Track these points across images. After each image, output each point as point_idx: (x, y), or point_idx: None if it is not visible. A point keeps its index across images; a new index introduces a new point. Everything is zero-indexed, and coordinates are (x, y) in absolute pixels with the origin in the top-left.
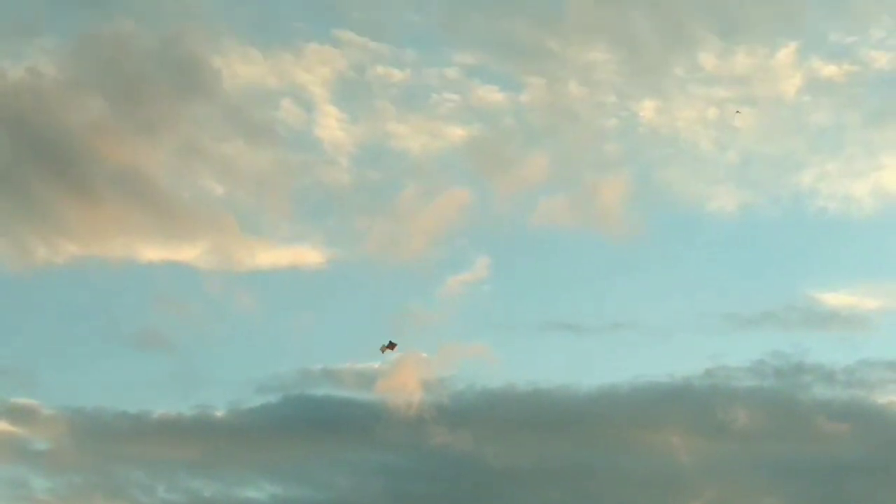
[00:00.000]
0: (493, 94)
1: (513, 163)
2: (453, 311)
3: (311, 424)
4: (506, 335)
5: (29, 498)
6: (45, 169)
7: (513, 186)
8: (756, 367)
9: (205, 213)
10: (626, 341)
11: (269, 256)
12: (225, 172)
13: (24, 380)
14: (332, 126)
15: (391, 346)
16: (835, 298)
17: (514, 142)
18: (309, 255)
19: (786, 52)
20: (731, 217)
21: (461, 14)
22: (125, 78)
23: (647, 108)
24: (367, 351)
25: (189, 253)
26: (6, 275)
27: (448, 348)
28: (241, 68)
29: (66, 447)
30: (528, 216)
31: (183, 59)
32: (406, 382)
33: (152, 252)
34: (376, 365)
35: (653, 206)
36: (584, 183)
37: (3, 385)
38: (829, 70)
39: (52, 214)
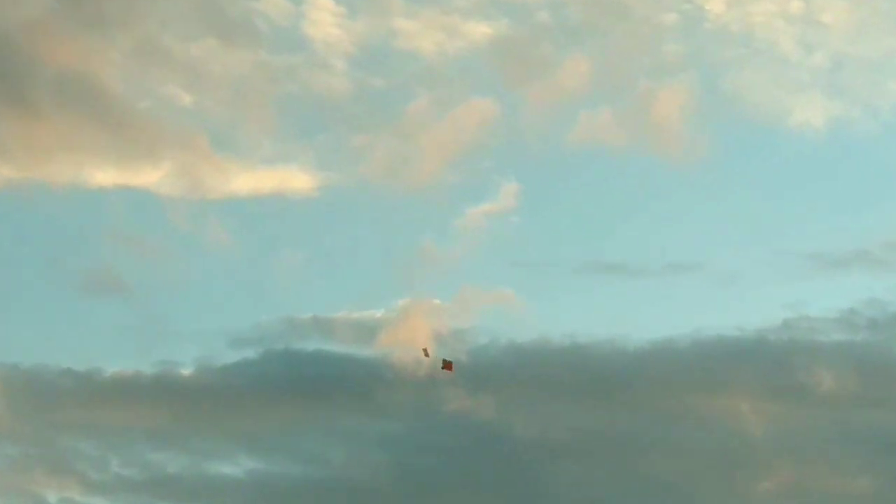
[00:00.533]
0: None
1: (547, 67)
2: (473, 248)
3: (299, 385)
4: (538, 278)
5: None
6: None
7: (547, 96)
8: (846, 317)
9: (168, 127)
10: (685, 287)
11: (248, 181)
12: (193, 78)
13: None
14: (325, 22)
15: (447, 365)
16: None
17: (549, 42)
18: (296, 180)
19: None
20: (818, 134)
21: None
22: None
23: (715, 0)
24: (368, 297)
25: (149, 177)
26: None
27: (467, 294)
28: None
29: (1, 412)
30: (565, 133)
31: None
32: (415, 335)
33: (104, 175)
34: (378, 314)
35: (720, 120)
36: (634, 92)
37: None
38: None
39: None
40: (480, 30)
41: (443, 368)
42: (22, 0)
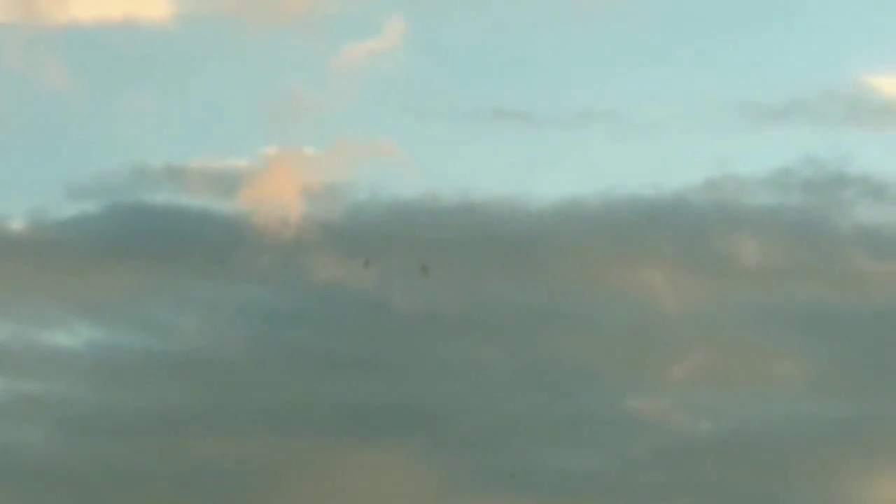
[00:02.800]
0: None
1: None
2: (351, 92)
3: (147, 244)
4: (425, 127)
5: None
6: None
7: None
8: (778, 177)
9: None
10: (595, 139)
11: (91, 6)
12: None
13: None
14: None
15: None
16: (893, 85)
17: None
18: (149, 6)
19: None
20: None
21: None
22: None
23: None
24: (229, 144)
25: None
26: None
27: (343, 143)
28: None
29: None
30: None
31: None
32: (282, 189)
33: None
34: (241, 163)
35: None
36: None
37: None
38: None
39: None
40: None
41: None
42: None
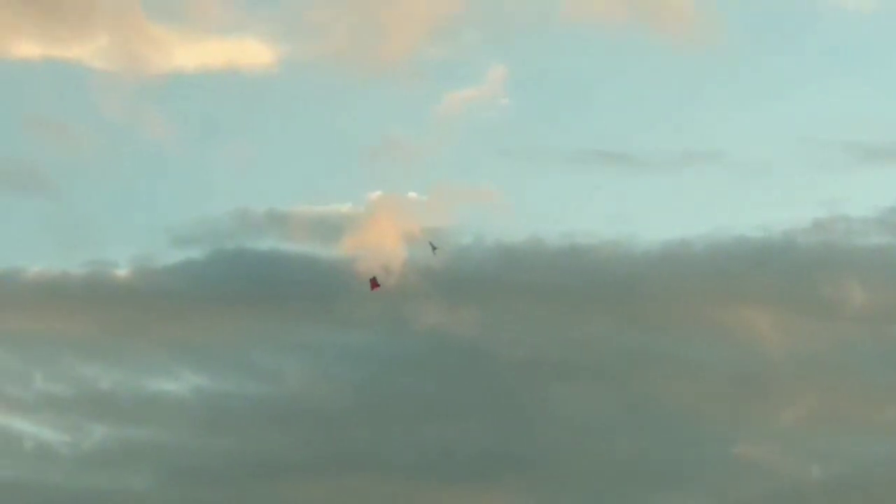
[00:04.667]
0: None
1: None
2: (453, 137)
3: (251, 291)
4: (530, 170)
5: None
6: None
7: None
8: (887, 216)
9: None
10: (702, 180)
11: (194, 54)
12: None
13: None
14: None
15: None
16: None
17: None
18: (252, 52)
19: None
20: (863, 7)
21: None
22: None
23: None
24: (332, 189)
25: (79, 50)
26: None
27: (446, 189)
28: None
29: None
30: (556, 7)
31: None
32: (385, 234)
33: (27, 48)
34: (344, 208)
35: None
36: None
37: None
38: None
39: None
40: None
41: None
42: None
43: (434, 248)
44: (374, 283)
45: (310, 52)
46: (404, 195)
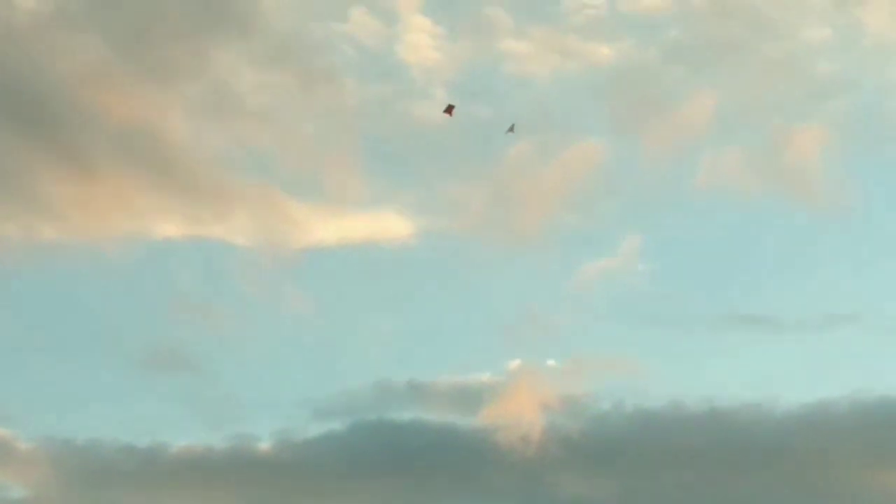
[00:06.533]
0: None
1: (669, 100)
2: (591, 306)
3: (392, 461)
4: (667, 336)
5: None
6: (25, 130)
7: (667, 136)
8: None
9: (240, 176)
10: (842, 342)
11: (334, 229)
12: (267, 122)
13: None
14: (422, 45)
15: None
16: None
17: (678, 65)
18: (389, 226)
19: None
20: None
21: None
22: (129, 9)
23: (876, 11)
24: (471, 359)
25: (220, 228)
26: None
27: (584, 356)
28: None
29: (50, 493)
30: (689, 177)
31: None
32: (524, 403)
33: (169, 228)
34: (484, 377)
35: (880, 152)
36: (767, 128)
37: None
38: None
39: (34, 189)
40: (601, 51)
41: (445, 111)
42: (77, 48)
43: (511, 129)
44: (450, 110)
45: (447, 225)
46: (543, 364)
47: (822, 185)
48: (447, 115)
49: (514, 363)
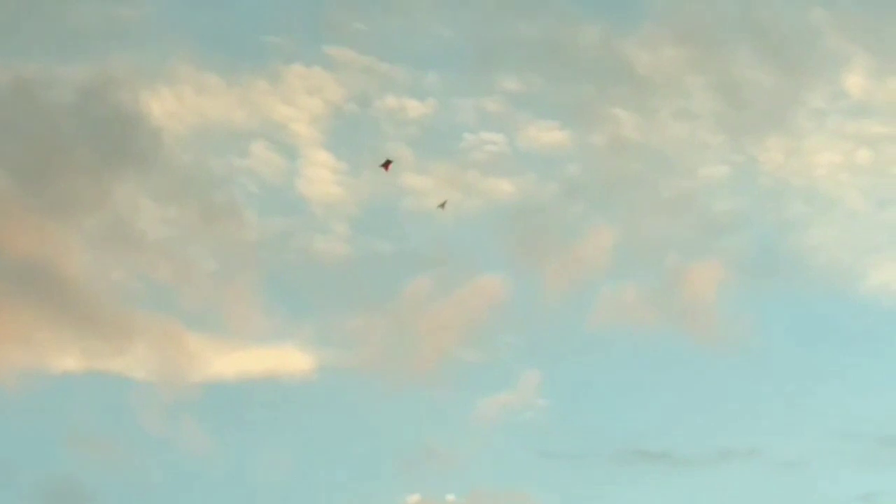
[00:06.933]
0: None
1: (572, 236)
2: (491, 441)
3: None
4: (566, 471)
5: None
6: None
7: (571, 270)
8: None
9: (141, 311)
10: (741, 476)
11: (232, 362)
12: (168, 257)
13: None
14: (323, 179)
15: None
16: None
17: (579, 201)
18: (289, 360)
19: None
20: (892, 301)
21: (506, 23)
22: (29, 141)
23: (772, 151)
24: (370, 493)
25: (119, 363)
26: None
27: (484, 491)
28: (195, 102)
29: None
30: (586, 311)
31: (110, 111)
32: None
33: (67, 362)
34: None
35: (776, 287)
36: (664, 265)
37: None
38: None
39: None
40: (501, 187)
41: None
42: None
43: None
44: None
45: (347, 359)
46: (442, 498)
47: (718, 321)
48: (384, 170)
49: (413, 498)
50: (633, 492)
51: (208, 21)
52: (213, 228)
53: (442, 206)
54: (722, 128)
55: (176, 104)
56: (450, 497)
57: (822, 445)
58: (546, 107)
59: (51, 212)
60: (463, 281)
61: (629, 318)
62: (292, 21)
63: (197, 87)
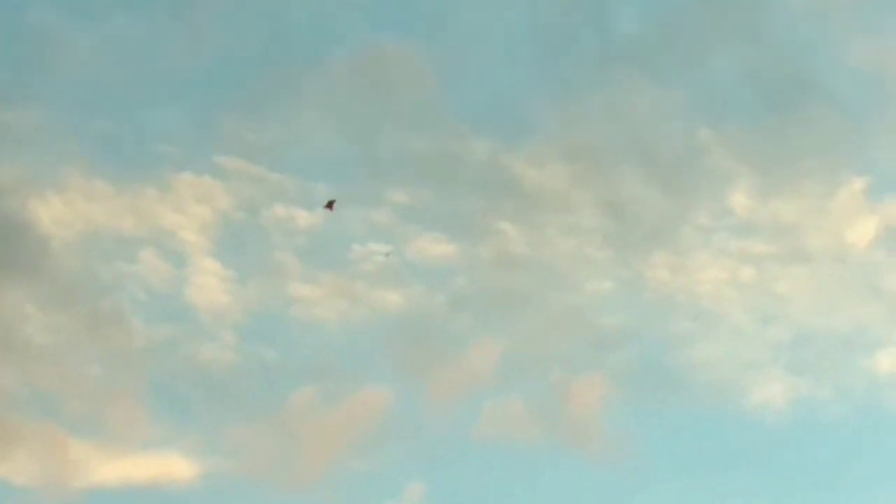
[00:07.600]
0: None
1: (454, 348)
2: None
3: None
4: None
5: None
6: None
7: (456, 382)
8: None
9: (22, 417)
10: None
11: (115, 469)
12: (52, 364)
13: None
14: (211, 287)
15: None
16: None
17: (464, 314)
18: (173, 468)
19: (849, 192)
20: (779, 416)
21: (396, 136)
22: None
23: (658, 267)
24: None
25: (1, 469)
26: None
27: None
28: (84, 209)
29: None
30: (471, 423)
31: None
32: None
33: None
34: None
35: (660, 404)
36: (548, 379)
37: None
38: None
39: None
40: (388, 298)
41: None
42: None
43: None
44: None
45: (232, 467)
46: None
47: (602, 435)
48: (329, 211)
49: None
50: None
51: (98, 128)
52: (99, 335)
53: (387, 255)
54: (608, 244)
55: (64, 211)
56: None
57: None
58: (434, 219)
59: None
60: (349, 391)
61: (514, 430)
62: (182, 130)
63: (86, 193)
